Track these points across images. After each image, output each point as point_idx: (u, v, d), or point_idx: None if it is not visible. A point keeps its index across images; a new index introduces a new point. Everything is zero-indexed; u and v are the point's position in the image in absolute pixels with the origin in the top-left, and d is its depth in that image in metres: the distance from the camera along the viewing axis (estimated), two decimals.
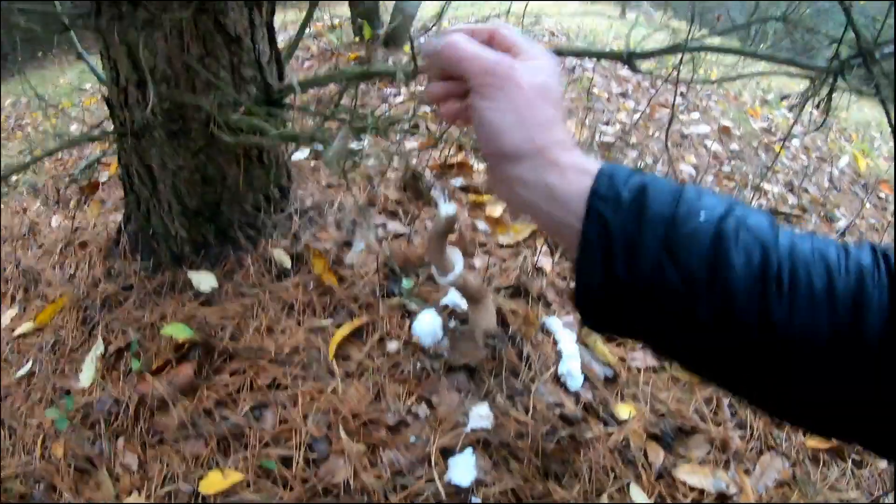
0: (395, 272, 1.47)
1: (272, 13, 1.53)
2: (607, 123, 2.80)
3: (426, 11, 4.40)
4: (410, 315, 1.39)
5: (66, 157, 2.77)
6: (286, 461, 1.17)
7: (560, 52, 1.96)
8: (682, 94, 3.77)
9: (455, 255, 1.25)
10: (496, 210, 1.78)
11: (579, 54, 1.66)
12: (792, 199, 2.72)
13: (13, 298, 1.64)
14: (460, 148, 2.17)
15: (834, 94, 1.56)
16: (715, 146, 3.05)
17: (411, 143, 2.21)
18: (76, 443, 1.24)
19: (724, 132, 3.26)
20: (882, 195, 3.23)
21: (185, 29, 1.30)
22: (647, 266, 0.48)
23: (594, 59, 3.59)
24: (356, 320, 1.37)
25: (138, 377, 1.33)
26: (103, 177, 2.34)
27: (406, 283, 1.44)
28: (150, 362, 1.35)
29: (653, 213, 0.49)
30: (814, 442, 1.34)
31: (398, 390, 1.24)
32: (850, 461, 1.36)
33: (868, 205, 3.07)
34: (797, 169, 3.14)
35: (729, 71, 3.67)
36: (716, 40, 2.80)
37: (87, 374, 1.37)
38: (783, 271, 0.46)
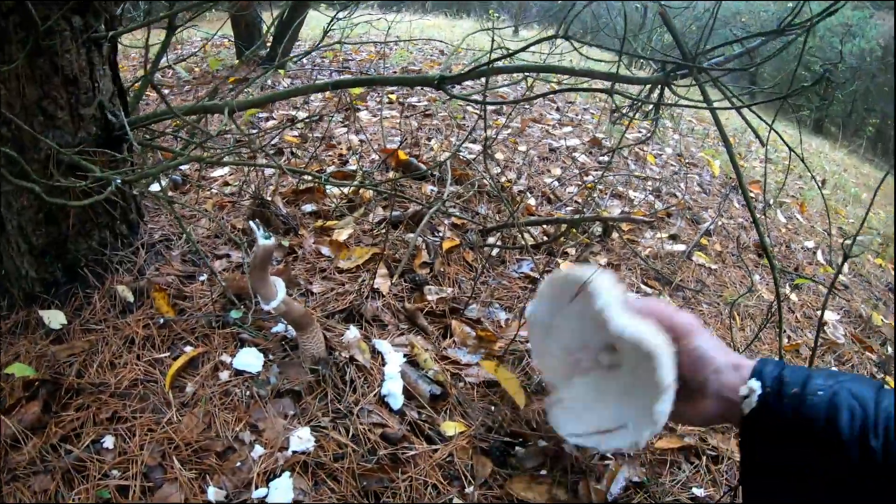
0: (234, 302, 1.57)
1: (115, 50, 1.60)
2: (474, 141, 2.92)
3: (315, 31, 4.43)
4: (243, 343, 1.50)
5: None
6: (123, 490, 1.26)
7: (376, 82, 2.07)
8: (557, 108, 3.94)
9: (277, 284, 1.35)
10: (342, 235, 1.89)
11: (394, 83, 1.77)
12: (658, 205, 2.89)
13: None
14: (319, 170, 2.27)
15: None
16: (583, 158, 3.21)
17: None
18: None
19: (595, 143, 3.41)
20: (752, 194, 3.42)
21: (20, 73, 1.36)
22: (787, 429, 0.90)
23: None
24: (192, 351, 1.47)
25: None
26: None
27: (234, 314, 1.54)
28: (4, 402, 1.41)
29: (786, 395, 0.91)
30: (663, 443, 1.48)
31: (228, 418, 1.35)
32: (706, 457, 1.49)
33: (737, 205, 3.27)
34: (667, 176, 3.32)
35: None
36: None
37: None
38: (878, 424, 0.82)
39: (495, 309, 1.82)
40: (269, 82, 3.48)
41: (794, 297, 2.49)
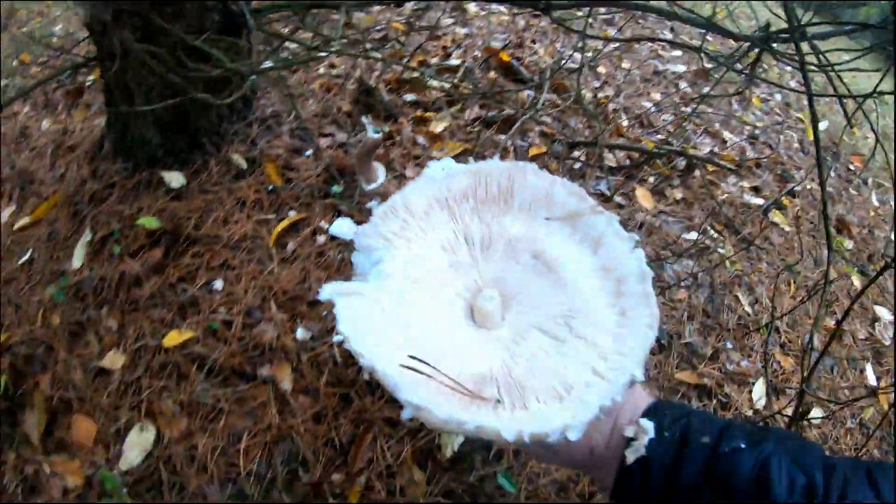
0: (335, 177, 1.72)
1: None
2: (580, 50, 2.86)
3: None
4: (340, 214, 1.65)
5: (53, 61, 2.88)
6: (228, 324, 1.45)
7: None
8: (671, 28, 3.73)
9: (379, 169, 1.49)
10: (438, 127, 2.00)
11: (500, 1, 1.84)
12: (750, 153, 2.77)
13: (10, 197, 1.93)
14: (421, 63, 2.37)
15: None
16: (686, 87, 3.05)
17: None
18: (69, 312, 1.53)
19: (700, 76, 3.21)
20: (851, 167, 3.14)
21: None
22: (684, 493, 0.61)
23: None
24: (295, 216, 1.64)
25: (119, 259, 1.60)
26: (88, 81, 2.52)
27: (335, 189, 1.69)
28: (129, 247, 1.62)
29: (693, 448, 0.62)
30: (683, 376, 1.56)
31: (320, 274, 1.52)
32: (716, 401, 1.55)
33: (833, 174, 2.97)
34: (767, 124, 3.08)
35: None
36: None
37: (77, 258, 1.65)
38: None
39: None
40: None
41: (855, 280, 2.35)
